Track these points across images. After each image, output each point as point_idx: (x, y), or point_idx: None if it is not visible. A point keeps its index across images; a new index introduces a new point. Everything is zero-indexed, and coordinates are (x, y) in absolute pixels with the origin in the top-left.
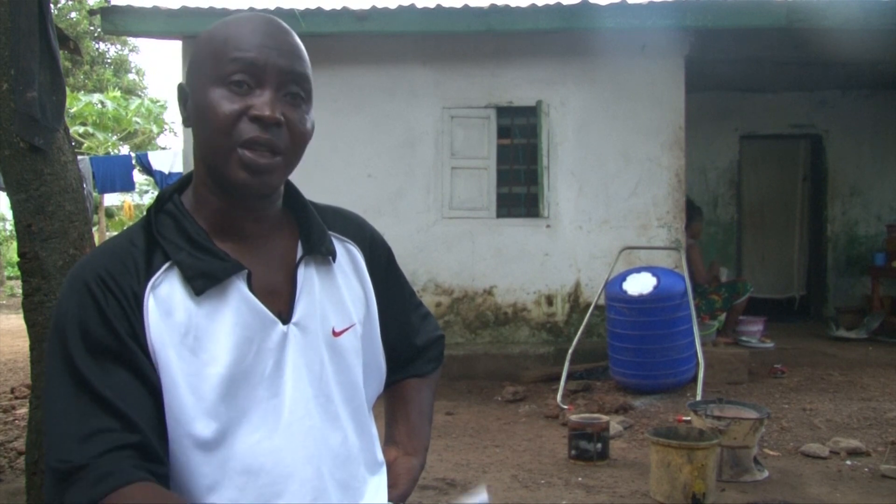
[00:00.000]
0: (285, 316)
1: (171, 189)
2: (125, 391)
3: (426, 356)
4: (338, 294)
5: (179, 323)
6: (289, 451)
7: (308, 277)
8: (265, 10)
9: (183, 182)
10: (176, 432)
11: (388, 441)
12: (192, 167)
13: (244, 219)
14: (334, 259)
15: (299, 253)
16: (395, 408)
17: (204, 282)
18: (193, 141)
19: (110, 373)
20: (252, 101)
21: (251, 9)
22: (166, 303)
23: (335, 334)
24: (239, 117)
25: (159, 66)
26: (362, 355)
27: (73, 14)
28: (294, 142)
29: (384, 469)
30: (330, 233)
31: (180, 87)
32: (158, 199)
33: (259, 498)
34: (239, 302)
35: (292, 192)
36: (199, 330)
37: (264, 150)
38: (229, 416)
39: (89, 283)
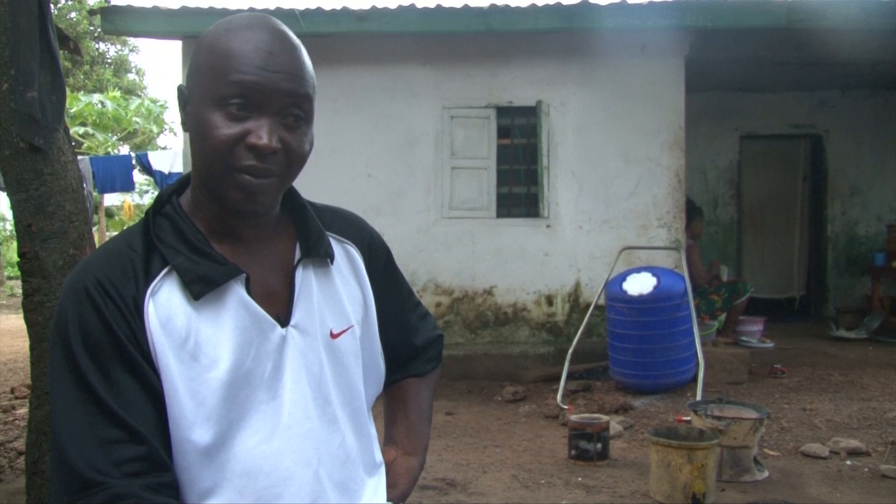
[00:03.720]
0: (284, 318)
1: (169, 191)
2: (131, 399)
3: (425, 356)
4: (336, 296)
5: (179, 328)
6: (287, 454)
7: (306, 280)
8: (265, 11)
9: (181, 183)
10: (176, 437)
11: (388, 441)
12: (191, 167)
13: (241, 225)
14: (332, 261)
15: (297, 255)
16: (394, 408)
17: (202, 286)
18: (191, 147)
19: (115, 380)
20: (249, 127)
21: (251, 9)
22: (166, 308)
23: (333, 336)
24: (236, 142)
25: (159, 66)
26: (361, 356)
27: (73, 14)
28: (290, 164)
29: (383, 470)
30: (328, 234)
31: (181, 90)
32: (157, 202)
33: (258, 500)
34: (237, 306)
35: (291, 194)
36: (198, 335)
37: (259, 176)
38: (229, 420)
39: (89, 289)
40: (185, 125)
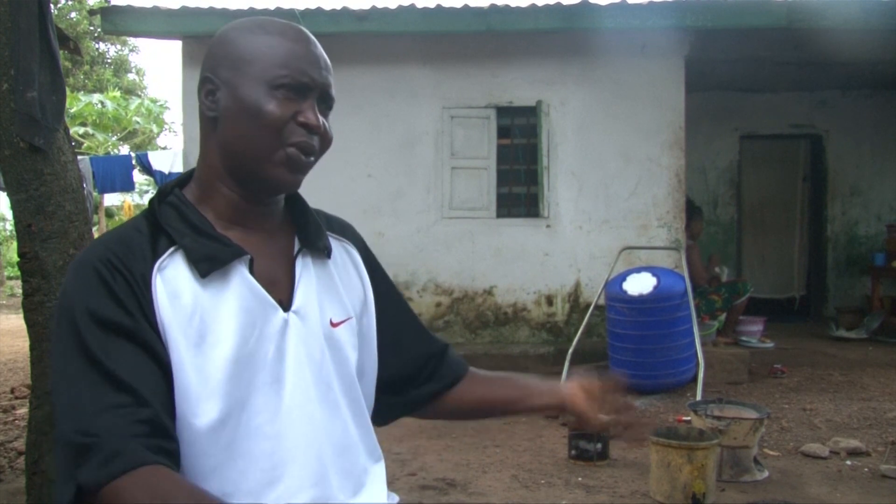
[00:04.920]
0: (285, 304)
1: (172, 184)
2: (136, 366)
3: (454, 361)
4: (334, 287)
5: (185, 305)
6: (290, 436)
7: (306, 269)
8: (265, 11)
9: (183, 178)
10: (180, 413)
11: (515, 393)
12: (191, 166)
13: (252, 211)
14: (329, 255)
15: (297, 247)
16: (485, 392)
17: (208, 265)
18: (212, 132)
19: (120, 348)
20: (300, 108)
21: (251, 8)
22: (172, 285)
23: (333, 325)
24: (289, 120)
25: (159, 66)
26: (358, 350)
27: (73, 14)
28: (322, 146)
29: (382, 461)
30: (327, 232)
31: (208, 78)
32: (160, 193)
33: (260, 481)
34: (242, 286)
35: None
36: (204, 312)
37: (307, 152)
38: (232, 400)
39: (97, 265)
40: (213, 110)
